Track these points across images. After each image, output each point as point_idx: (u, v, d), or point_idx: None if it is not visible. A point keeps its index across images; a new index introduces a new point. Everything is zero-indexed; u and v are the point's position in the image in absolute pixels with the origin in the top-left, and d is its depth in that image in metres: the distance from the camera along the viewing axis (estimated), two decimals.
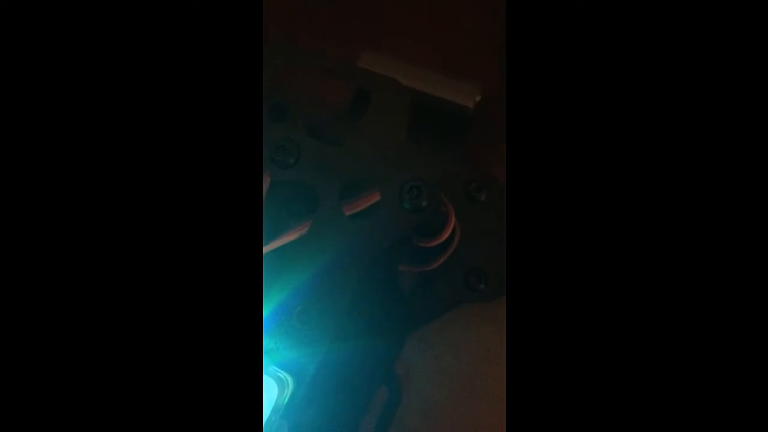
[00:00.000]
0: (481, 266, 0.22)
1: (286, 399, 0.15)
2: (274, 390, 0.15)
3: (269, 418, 0.15)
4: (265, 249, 0.16)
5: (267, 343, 0.16)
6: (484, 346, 0.24)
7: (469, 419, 0.24)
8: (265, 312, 0.16)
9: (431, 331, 0.24)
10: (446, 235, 0.19)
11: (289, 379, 0.15)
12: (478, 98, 0.23)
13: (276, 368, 0.15)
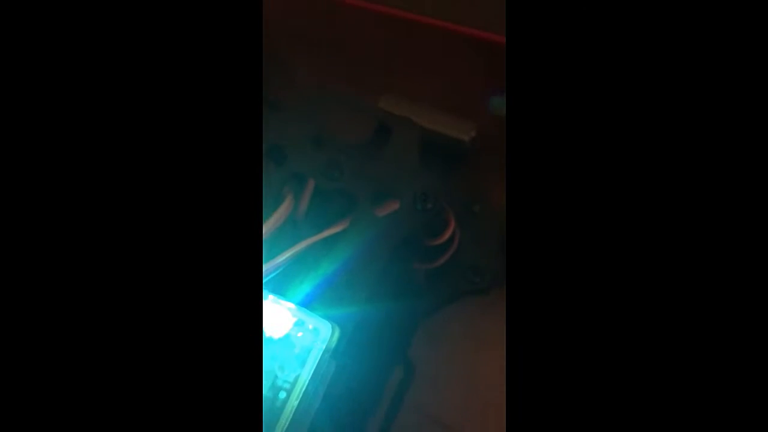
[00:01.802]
0: (476, 264, 0.27)
1: (334, 343, 0.21)
2: (328, 331, 0.20)
3: (322, 356, 0.21)
4: (317, 237, 0.22)
5: (318, 300, 0.21)
6: (483, 333, 0.28)
7: (470, 398, 0.27)
8: (312, 285, 0.22)
9: (438, 320, 0.29)
10: (448, 234, 0.25)
11: (336, 328, 0.21)
12: (473, 134, 0.29)
13: (328, 320, 0.21)
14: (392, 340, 0.26)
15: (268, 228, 0.22)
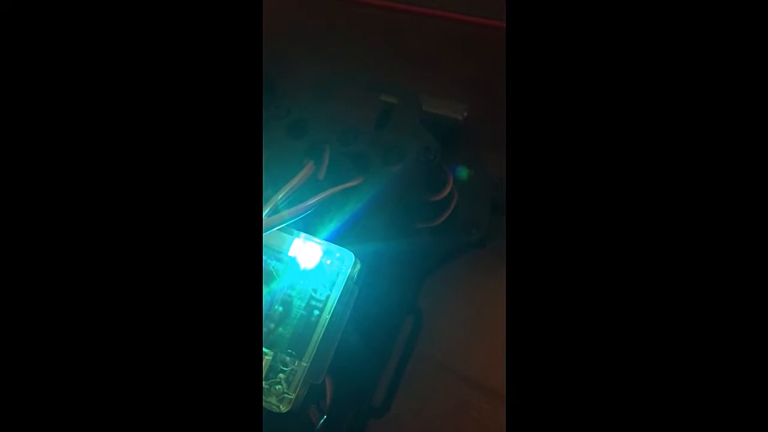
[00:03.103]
0: (473, 219, 0.31)
1: (356, 273, 0.25)
2: (351, 258, 0.25)
3: (346, 283, 0.25)
4: (337, 188, 0.27)
5: (340, 240, 0.25)
6: (483, 283, 0.32)
7: (473, 347, 0.31)
8: (335, 225, 0.26)
9: (441, 275, 0.32)
10: (447, 190, 0.30)
11: (358, 261, 0.25)
12: (465, 114, 0.34)
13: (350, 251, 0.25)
14: (402, 275, 0.30)
15: (292, 185, 0.27)
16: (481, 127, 0.34)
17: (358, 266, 0.25)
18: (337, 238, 0.26)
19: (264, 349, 0.24)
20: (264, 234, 0.24)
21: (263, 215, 0.24)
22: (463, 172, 0.32)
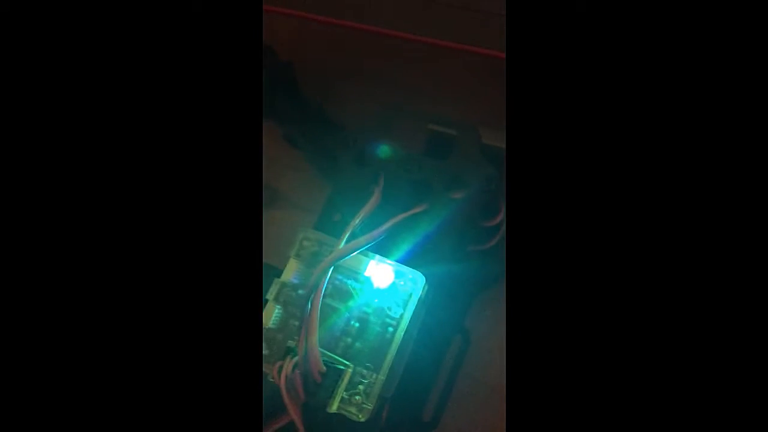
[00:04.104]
0: None
1: (425, 294, 0.27)
2: (422, 282, 0.27)
3: (417, 306, 0.27)
4: (405, 215, 0.29)
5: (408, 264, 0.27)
6: None
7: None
8: (405, 248, 0.28)
9: (488, 297, 0.35)
10: (501, 216, 0.32)
11: (426, 284, 0.27)
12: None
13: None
14: (454, 295, 0.32)
15: (365, 212, 0.29)
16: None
17: (426, 287, 0.27)
18: (403, 261, 0.28)
19: (345, 362, 0.25)
20: (345, 259, 0.26)
21: (341, 243, 0.26)
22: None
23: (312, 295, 0.25)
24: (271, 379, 0.25)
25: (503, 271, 0.34)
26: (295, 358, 0.25)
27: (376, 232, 0.27)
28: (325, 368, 0.25)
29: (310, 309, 0.25)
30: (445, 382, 0.33)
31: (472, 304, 0.35)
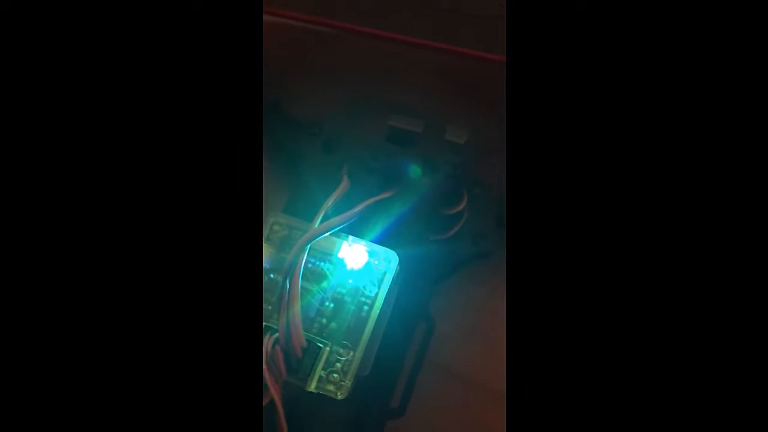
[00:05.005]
0: (480, 232, 0.35)
1: (396, 272, 0.28)
2: (396, 260, 0.27)
3: (392, 282, 0.27)
4: (374, 199, 0.29)
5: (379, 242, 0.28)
6: (486, 295, 0.34)
7: (476, 352, 0.33)
8: (379, 229, 0.29)
9: (451, 284, 0.35)
10: (463, 204, 0.33)
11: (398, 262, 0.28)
12: (465, 139, 0.38)
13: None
14: (416, 283, 0.33)
15: (336, 196, 0.29)
16: (484, 150, 0.37)
17: (398, 268, 0.27)
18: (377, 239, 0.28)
19: (321, 341, 0.26)
20: (317, 239, 0.26)
21: (315, 224, 0.26)
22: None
23: (292, 271, 0.25)
24: None
25: (464, 259, 0.35)
26: (275, 335, 0.25)
27: (349, 213, 0.28)
28: (306, 343, 0.25)
29: (290, 286, 0.25)
30: (411, 368, 0.33)
31: (433, 292, 0.35)
